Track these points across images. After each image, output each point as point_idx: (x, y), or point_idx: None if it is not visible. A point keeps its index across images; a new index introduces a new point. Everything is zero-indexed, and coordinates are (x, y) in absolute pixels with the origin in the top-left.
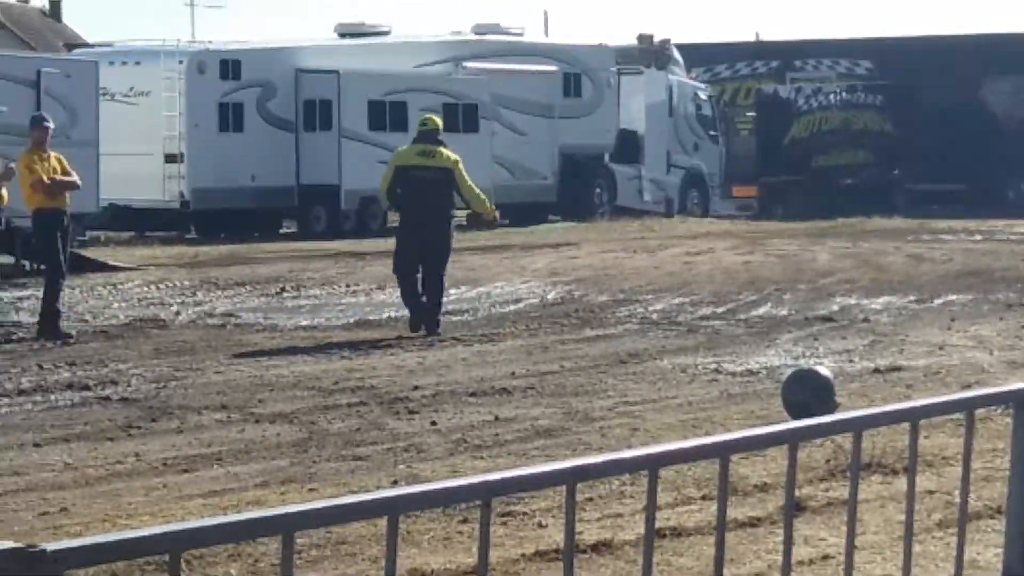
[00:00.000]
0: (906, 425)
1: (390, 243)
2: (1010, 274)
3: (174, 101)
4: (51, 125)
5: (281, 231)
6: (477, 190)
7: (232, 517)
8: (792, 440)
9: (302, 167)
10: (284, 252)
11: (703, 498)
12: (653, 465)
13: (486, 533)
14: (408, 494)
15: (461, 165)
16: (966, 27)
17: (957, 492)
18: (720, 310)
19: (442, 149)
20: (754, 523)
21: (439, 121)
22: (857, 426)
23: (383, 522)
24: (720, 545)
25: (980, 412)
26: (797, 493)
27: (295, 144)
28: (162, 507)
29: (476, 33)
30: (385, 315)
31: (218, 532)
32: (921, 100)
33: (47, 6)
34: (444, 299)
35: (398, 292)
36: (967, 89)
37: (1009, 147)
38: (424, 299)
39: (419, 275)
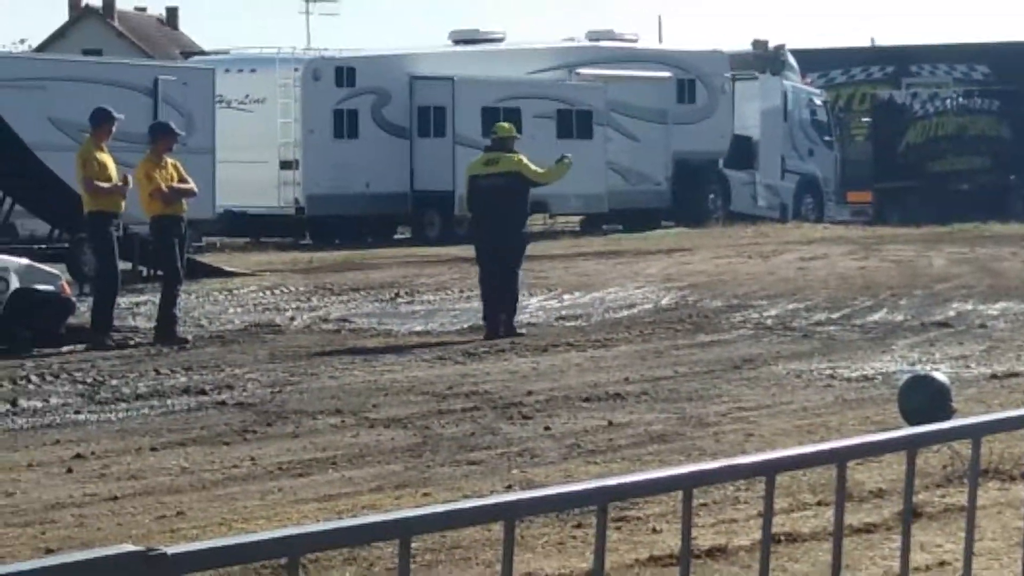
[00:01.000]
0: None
1: None
2: None
3: (289, 108)
4: (181, 133)
5: (395, 237)
6: (545, 170)
7: (348, 521)
8: (910, 446)
9: (416, 173)
10: (398, 258)
11: (818, 504)
12: (769, 471)
13: (602, 538)
14: (525, 499)
15: (525, 161)
16: None
17: None
18: (835, 315)
19: (507, 155)
20: (870, 529)
21: (510, 128)
22: (975, 432)
23: (497, 526)
24: (837, 551)
25: None
26: (914, 499)
27: (409, 150)
28: (277, 511)
29: (590, 39)
30: None
31: (334, 536)
32: None
33: (164, 14)
34: (520, 303)
35: None
36: None
37: None
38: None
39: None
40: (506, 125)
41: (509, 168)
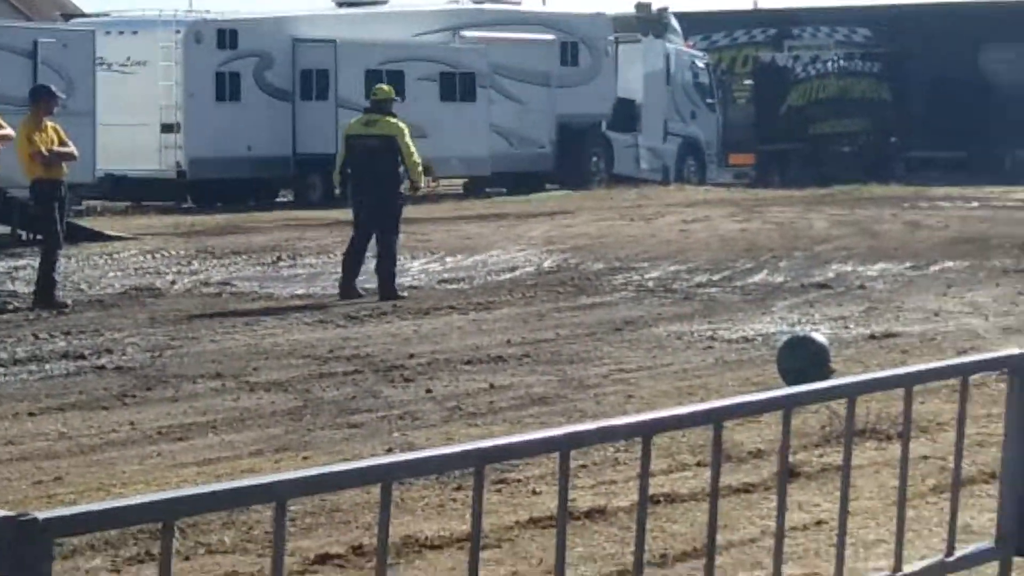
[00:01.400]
0: (901, 391)
1: None
2: (1006, 241)
3: (171, 71)
4: (62, 96)
5: (277, 200)
6: (416, 159)
7: (224, 485)
8: (786, 406)
9: (299, 137)
10: (280, 221)
11: (698, 464)
12: (646, 432)
13: (479, 500)
14: (401, 461)
15: (407, 135)
16: None
17: (951, 457)
18: (716, 277)
19: (387, 118)
20: (748, 489)
21: (389, 90)
22: (851, 392)
23: (377, 490)
24: (713, 511)
25: (975, 378)
26: (791, 459)
27: (292, 114)
28: (156, 476)
29: (474, 2)
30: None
31: (210, 500)
32: (918, 67)
33: None
34: (396, 268)
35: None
36: (965, 56)
37: (1006, 114)
38: (377, 267)
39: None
40: (385, 87)
41: (388, 131)
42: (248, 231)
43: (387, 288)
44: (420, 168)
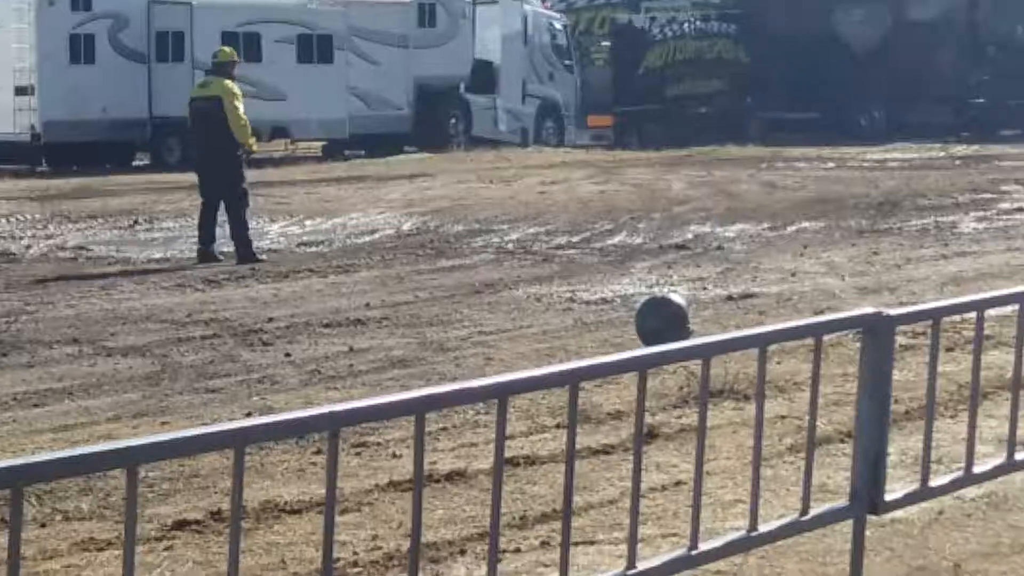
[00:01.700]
0: (757, 351)
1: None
2: (862, 201)
3: (24, 33)
4: None
5: (134, 163)
6: (242, 121)
7: (74, 451)
8: (641, 367)
9: (155, 99)
10: (137, 185)
11: (557, 426)
12: (503, 393)
13: (334, 464)
14: (255, 425)
15: (235, 97)
16: None
17: (807, 416)
18: (575, 239)
19: (221, 80)
20: (607, 450)
21: (230, 52)
22: (706, 352)
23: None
24: (570, 472)
25: (831, 338)
26: (650, 420)
27: (147, 76)
28: (11, 442)
29: None
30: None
31: (59, 466)
32: (774, 28)
33: None
34: (249, 232)
35: (253, 223)
36: (819, 17)
37: (861, 75)
38: (231, 234)
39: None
40: (227, 50)
41: (216, 92)
42: (104, 194)
43: (243, 252)
44: (247, 129)
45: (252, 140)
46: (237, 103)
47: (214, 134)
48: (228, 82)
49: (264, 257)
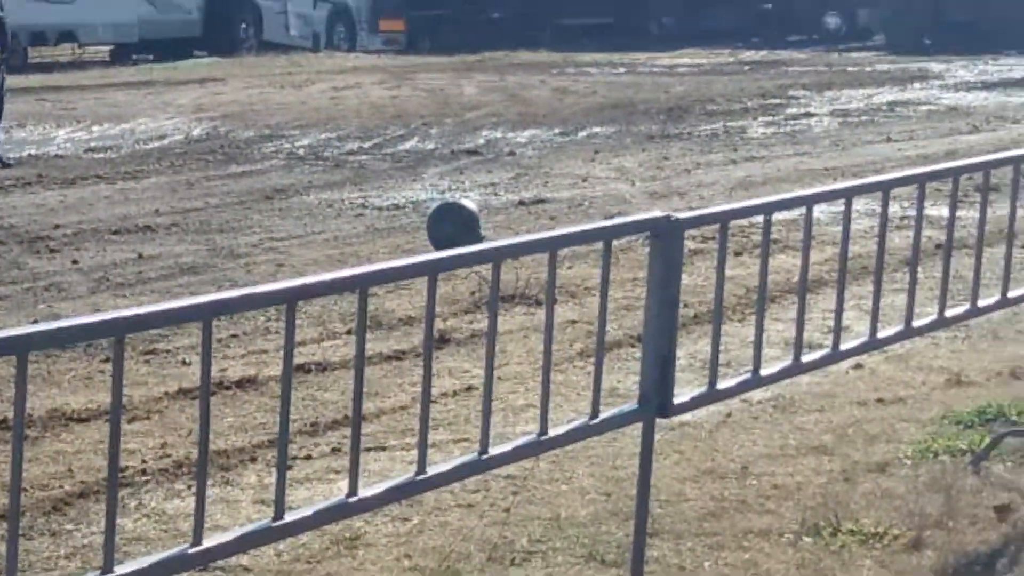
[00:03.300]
0: (548, 255)
1: (32, 79)
2: (652, 107)
3: None
4: None
5: None
6: None
7: None
8: (431, 271)
9: None
10: None
11: (348, 332)
12: (290, 298)
13: (119, 370)
14: (37, 332)
15: None
16: None
17: (597, 321)
18: (367, 145)
19: None
20: (399, 356)
21: None
22: (496, 256)
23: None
24: (359, 378)
25: (621, 243)
26: (442, 326)
27: None
28: None
29: None
30: (26, 152)
31: None
32: None
33: None
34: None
35: (39, 129)
36: None
37: None
38: None
39: None
40: None
41: None
42: None
43: None
44: None
45: None
46: None
47: None
48: None
49: (11, 162)
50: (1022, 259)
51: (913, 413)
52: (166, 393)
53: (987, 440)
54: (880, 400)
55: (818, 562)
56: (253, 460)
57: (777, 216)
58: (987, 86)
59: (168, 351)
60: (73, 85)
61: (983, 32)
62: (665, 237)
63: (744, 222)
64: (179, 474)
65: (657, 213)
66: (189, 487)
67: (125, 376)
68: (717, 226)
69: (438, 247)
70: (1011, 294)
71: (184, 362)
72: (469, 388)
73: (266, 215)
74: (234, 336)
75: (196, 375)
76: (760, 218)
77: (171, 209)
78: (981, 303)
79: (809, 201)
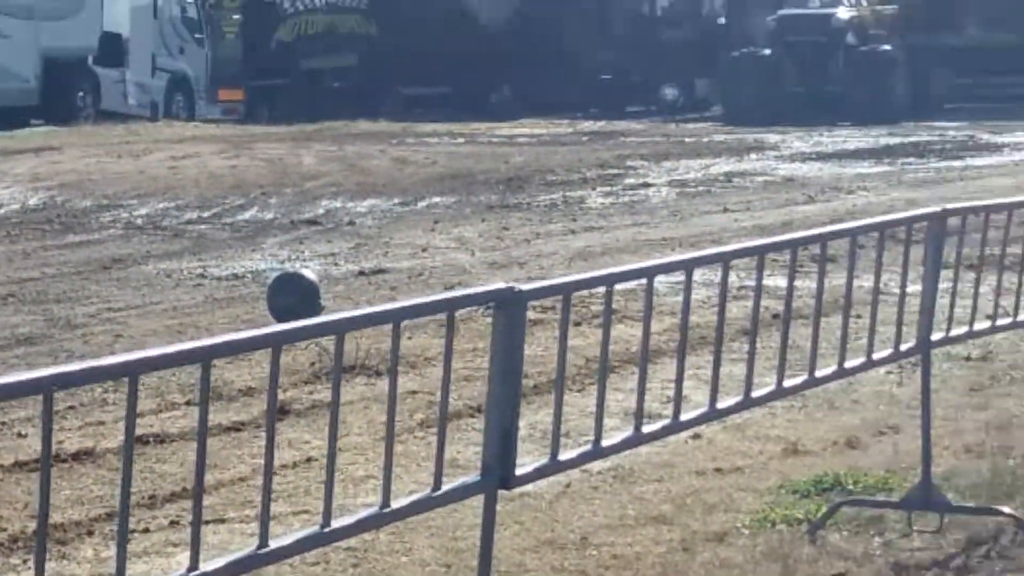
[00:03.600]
0: (390, 327)
1: None
2: (491, 177)
3: None
4: None
5: None
6: None
7: None
8: (274, 343)
9: None
10: None
11: (187, 404)
12: (133, 371)
13: None
14: None
15: None
16: None
17: (439, 392)
18: (206, 214)
19: None
20: (239, 427)
21: None
22: (341, 328)
23: None
24: (202, 450)
25: (461, 313)
26: (282, 397)
27: None
28: None
29: None
30: None
31: None
32: (407, 4)
33: None
34: None
35: None
36: None
37: (490, 50)
38: None
39: None
40: None
41: None
42: None
43: None
44: None
45: None
46: None
47: None
48: None
49: None
50: (857, 329)
51: (751, 482)
52: (1, 466)
53: (823, 509)
54: (718, 470)
55: None
56: (90, 534)
57: (617, 286)
58: (822, 157)
59: (3, 423)
60: None
61: (818, 103)
62: (508, 308)
63: (583, 292)
64: (15, 548)
65: (500, 284)
66: (25, 561)
67: None
68: (559, 296)
69: (278, 318)
70: (847, 364)
71: (20, 434)
72: (309, 459)
73: (104, 285)
74: (71, 408)
75: (32, 447)
76: (600, 288)
77: (7, 279)
78: (819, 373)
79: (650, 272)
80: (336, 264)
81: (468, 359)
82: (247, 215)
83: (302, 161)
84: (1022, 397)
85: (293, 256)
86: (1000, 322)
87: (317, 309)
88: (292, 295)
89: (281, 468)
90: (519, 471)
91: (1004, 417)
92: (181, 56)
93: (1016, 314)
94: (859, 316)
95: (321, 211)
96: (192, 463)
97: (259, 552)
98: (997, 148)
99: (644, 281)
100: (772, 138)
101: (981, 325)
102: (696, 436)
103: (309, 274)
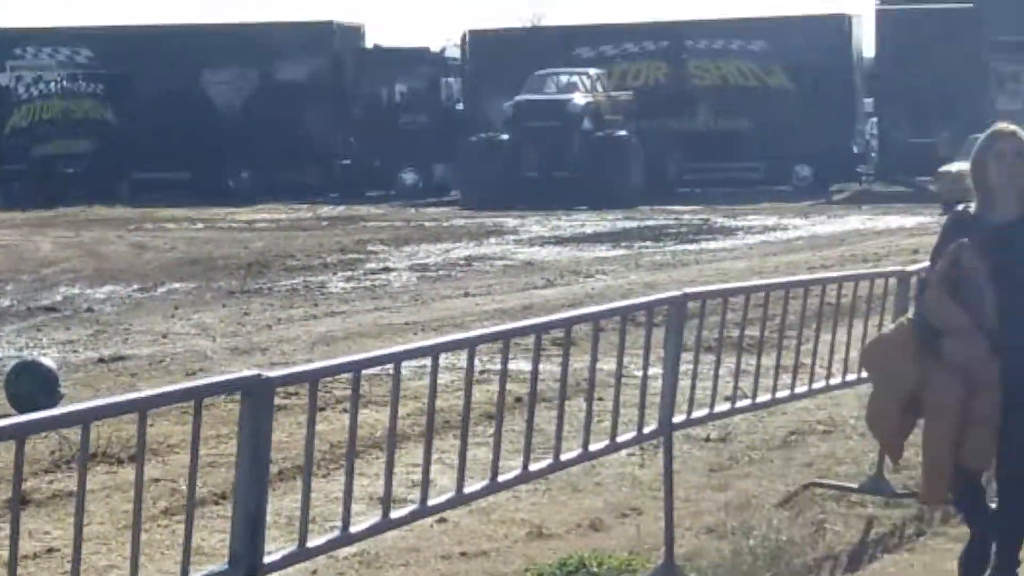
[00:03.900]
0: (132, 415)
1: None
2: (232, 262)
3: None
4: None
5: None
6: None
7: None
8: (18, 434)
9: None
10: None
11: None
12: None
13: None
14: None
15: None
16: (185, 17)
17: (183, 479)
18: None
19: None
20: None
21: None
22: (86, 418)
23: None
24: None
25: (205, 400)
26: (23, 487)
27: None
28: None
29: None
30: None
31: None
32: (144, 89)
33: None
34: None
35: None
36: (187, 78)
37: (229, 136)
38: None
39: None
40: None
41: None
42: None
43: None
44: None
45: None
46: None
47: None
48: None
49: None
50: (600, 412)
51: (496, 566)
52: None
53: None
54: (464, 553)
55: None
56: None
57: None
58: (560, 241)
59: None
60: None
61: (555, 188)
62: (256, 395)
63: (328, 378)
64: None
65: (248, 372)
66: None
67: None
68: (305, 383)
69: (16, 406)
70: (592, 447)
71: None
72: (50, 550)
73: None
74: None
75: None
76: (346, 375)
77: None
78: (563, 456)
79: (398, 358)
80: (75, 351)
81: (211, 446)
82: None
83: (39, 247)
84: (761, 477)
85: (31, 344)
86: (739, 403)
87: (56, 397)
88: (30, 383)
89: (21, 559)
90: (267, 559)
91: (743, 498)
92: None
93: (755, 396)
94: (602, 399)
95: (59, 298)
96: None
97: None
98: (731, 231)
99: (391, 367)
100: (511, 222)
101: (721, 407)
102: (441, 520)
103: (47, 362)
